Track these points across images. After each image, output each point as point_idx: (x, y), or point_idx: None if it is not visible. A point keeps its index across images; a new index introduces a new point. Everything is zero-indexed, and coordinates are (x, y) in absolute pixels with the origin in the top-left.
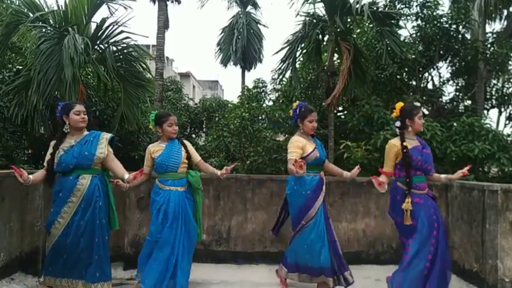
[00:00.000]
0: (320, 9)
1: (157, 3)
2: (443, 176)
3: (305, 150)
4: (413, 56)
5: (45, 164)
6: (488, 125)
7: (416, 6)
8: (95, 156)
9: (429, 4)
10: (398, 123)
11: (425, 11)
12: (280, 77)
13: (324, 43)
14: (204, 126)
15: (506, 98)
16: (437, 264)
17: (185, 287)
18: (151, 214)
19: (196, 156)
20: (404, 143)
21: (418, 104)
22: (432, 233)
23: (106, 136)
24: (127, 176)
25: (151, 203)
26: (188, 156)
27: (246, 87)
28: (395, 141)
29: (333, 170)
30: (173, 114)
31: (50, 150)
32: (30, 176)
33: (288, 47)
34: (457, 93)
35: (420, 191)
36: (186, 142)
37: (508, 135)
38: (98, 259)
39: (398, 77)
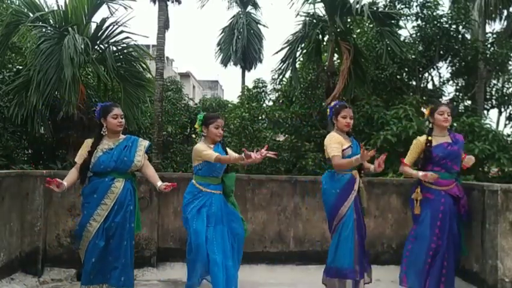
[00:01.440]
0: (320, 9)
1: (157, 3)
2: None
3: (342, 146)
4: (413, 56)
5: (78, 162)
6: (488, 125)
7: (416, 6)
8: (133, 163)
9: (429, 4)
10: (427, 123)
11: (425, 11)
12: (280, 77)
13: (324, 43)
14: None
15: (506, 98)
16: (437, 265)
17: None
18: (185, 216)
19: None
20: (429, 138)
21: (444, 102)
22: (434, 231)
23: (144, 144)
24: (159, 183)
25: (187, 205)
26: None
27: (246, 87)
28: (423, 137)
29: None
30: (222, 117)
31: (87, 149)
32: (65, 183)
33: (288, 47)
34: (457, 93)
35: (437, 186)
36: (227, 149)
37: (508, 135)
38: (125, 263)
39: (398, 77)
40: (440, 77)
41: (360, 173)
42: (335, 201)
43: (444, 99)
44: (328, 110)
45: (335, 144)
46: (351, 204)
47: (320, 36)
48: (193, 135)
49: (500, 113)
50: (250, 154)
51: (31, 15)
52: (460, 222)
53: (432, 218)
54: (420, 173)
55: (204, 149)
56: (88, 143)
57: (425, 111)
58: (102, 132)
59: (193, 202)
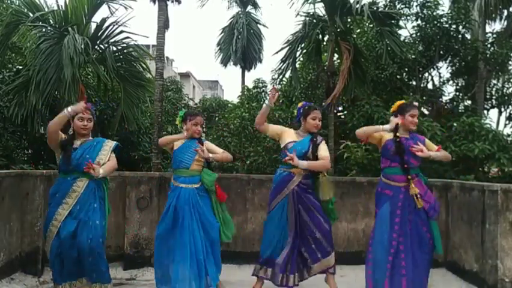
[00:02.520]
0: (320, 9)
1: (157, 3)
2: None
3: (282, 139)
4: (413, 56)
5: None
6: (488, 125)
7: (416, 6)
8: (95, 161)
9: (429, 4)
10: (392, 118)
11: (425, 11)
12: (280, 77)
13: (324, 43)
14: (204, 126)
15: (506, 98)
16: (397, 264)
17: (216, 280)
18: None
19: (219, 151)
20: (398, 134)
21: (417, 103)
22: (393, 228)
23: (110, 144)
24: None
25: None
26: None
27: (246, 87)
28: (388, 134)
29: None
30: (201, 115)
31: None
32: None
33: (288, 47)
34: (457, 93)
35: (396, 183)
36: (206, 143)
37: (508, 135)
38: (93, 261)
39: (398, 77)
40: (440, 77)
41: (318, 173)
42: (270, 195)
43: (445, 99)
44: (296, 110)
45: (282, 128)
46: (281, 201)
47: (320, 36)
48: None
49: (500, 113)
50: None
51: (31, 15)
52: (429, 219)
53: (391, 215)
54: (386, 126)
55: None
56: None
57: (393, 107)
58: (69, 132)
59: (169, 198)
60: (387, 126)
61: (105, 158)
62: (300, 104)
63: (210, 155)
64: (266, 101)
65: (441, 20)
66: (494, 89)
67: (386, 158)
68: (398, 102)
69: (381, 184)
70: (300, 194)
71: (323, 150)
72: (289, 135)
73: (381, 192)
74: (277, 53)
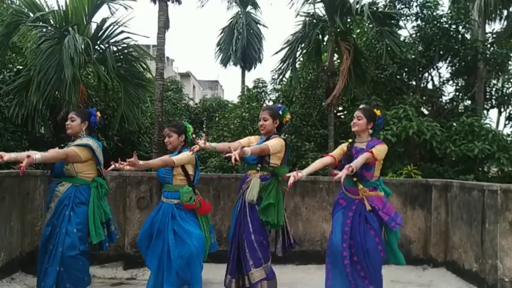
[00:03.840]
0: (320, 9)
1: (157, 3)
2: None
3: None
4: (413, 56)
5: None
6: (488, 125)
7: (416, 6)
8: (63, 166)
9: (429, 4)
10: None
11: (424, 11)
12: (280, 77)
13: (324, 43)
14: (204, 126)
15: (506, 98)
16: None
17: None
18: None
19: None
20: (349, 141)
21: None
22: (343, 238)
23: (74, 144)
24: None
25: None
26: (184, 168)
27: (246, 87)
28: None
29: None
30: (167, 127)
31: None
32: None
33: (288, 47)
34: (457, 93)
35: (350, 194)
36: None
37: (508, 135)
38: (49, 270)
39: (398, 77)
40: (440, 77)
41: (259, 167)
42: None
43: (444, 99)
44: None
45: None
46: (237, 203)
47: (320, 36)
48: (193, 135)
49: (500, 113)
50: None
51: (31, 15)
52: (388, 230)
53: (342, 224)
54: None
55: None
56: None
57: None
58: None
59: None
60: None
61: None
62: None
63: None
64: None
65: (441, 20)
66: (494, 89)
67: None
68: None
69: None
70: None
71: (269, 141)
72: (253, 141)
73: (336, 201)
74: (277, 53)
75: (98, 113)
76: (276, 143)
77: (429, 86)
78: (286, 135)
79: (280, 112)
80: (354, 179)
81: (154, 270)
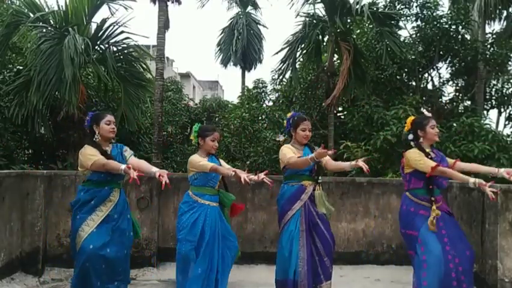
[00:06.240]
0: (320, 9)
1: (157, 3)
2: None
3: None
4: (413, 57)
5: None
6: (487, 126)
7: (416, 6)
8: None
9: (429, 5)
10: (410, 136)
11: (424, 12)
12: (280, 77)
13: (324, 43)
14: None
15: (505, 98)
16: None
17: None
18: (180, 226)
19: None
20: (427, 150)
21: (429, 114)
22: (446, 250)
23: (129, 153)
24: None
25: (182, 215)
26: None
27: (246, 88)
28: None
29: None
30: (218, 131)
31: (98, 151)
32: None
33: (288, 48)
34: (457, 94)
35: (426, 202)
36: (221, 160)
37: (508, 136)
38: (123, 271)
39: (397, 77)
40: (439, 77)
41: (317, 179)
42: (280, 211)
43: (444, 99)
44: (285, 121)
45: (289, 153)
46: (295, 214)
47: (320, 37)
48: None
49: (500, 113)
50: (240, 175)
51: (31, 15)
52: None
53: (437, 235)
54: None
55: (199, 160)
56: (93, 149)
57: (407, 126)
58: (95, 139)
59: (188, 212)
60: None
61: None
62: (289, 115)
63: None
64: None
65: (441, 21)
66: (493, 89)
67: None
68: (410, 119)
69: (411, 203)
70: (311, 206)
71: (327, 158)
72: (289, 152)
73: (413, 212)
74: (277, 53)
75: None
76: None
77: (429, 86)
78: (286, 136)
79: None
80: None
81: (204, 271)
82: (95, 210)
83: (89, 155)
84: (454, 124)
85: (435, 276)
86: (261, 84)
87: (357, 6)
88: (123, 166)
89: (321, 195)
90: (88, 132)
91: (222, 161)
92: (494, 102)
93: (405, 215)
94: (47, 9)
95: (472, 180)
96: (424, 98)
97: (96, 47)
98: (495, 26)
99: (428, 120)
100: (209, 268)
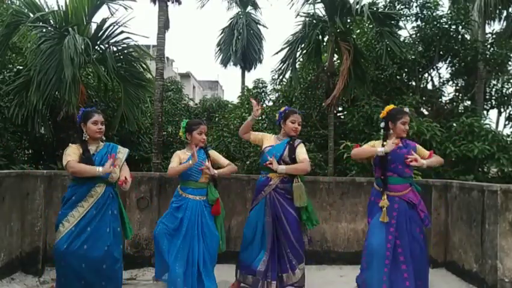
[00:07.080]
0: (320, 9)
1: (157, 3)
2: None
3: (262, 144)
4: (413, 57)
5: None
6: (487, 126)
7: (416, 7)
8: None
9: (429, 5)
10: (382, 124)
11: (424, 12)
12: (280, 77)
13: (324, 43)
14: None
15: (505, 98)
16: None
17: None
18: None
19: (224, 162)
20: (396, 140)
21: (407, 109)
22: (388, 239)
23: (123, 152)
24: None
25: (169, 206)
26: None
27: (246, 88)
28: (377, 142)
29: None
30: (204, 123)
31: (78, 151)
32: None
33: (288, 48)
34: (457, 94)
35: (393, 192)
36: (211, 152)
37: (508, 136)
38: (108, 269)
39: (397, 77)
40: (439, 77)
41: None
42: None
43: (444, 99)
44: (277, 114)
45: (255, 135)
46: (258, 204)
47: (320, 37)
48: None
49: (499, 113)
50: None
51: (31, 15)
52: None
53: (386, 225)
54: (381, 149)
55: (172, 161)
56: (74, 149)
57: (382, 113)
58: (84, 138)
59: (174, 203)
60: (382, 149)
61: (117, 170)
62: (282, 109)
63: (216, 171)
64: (251, 115)
65: (441, 21)
66: (493, 89)
67: (377, 167)
68: (388, 108)
69: (374, 192)
70: (276, 199)
71: (301, 153)
72: (268, 141)
73: (373, 202)
74: (277, 53)
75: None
76: (305, 152)
77: (429, 86)
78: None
79: None
80: (382, 177)
81: (183, 267)
82: (76, 206)
83: (67, 155)
84: (454, 124)
85: (374, 270)
86: (261, 84)
87: (357, 6)
88: (100, 169)
89: (299, 187)
90: (79, 129)
91: (214, 153)
92: (494, 102)
93: (368, 204)
94: (47, 9)
95: (380, 149)
96: (424, 98)
97: (96, 47)
98: (495, 26)
99: (402, 116)
100: (189, 263)
